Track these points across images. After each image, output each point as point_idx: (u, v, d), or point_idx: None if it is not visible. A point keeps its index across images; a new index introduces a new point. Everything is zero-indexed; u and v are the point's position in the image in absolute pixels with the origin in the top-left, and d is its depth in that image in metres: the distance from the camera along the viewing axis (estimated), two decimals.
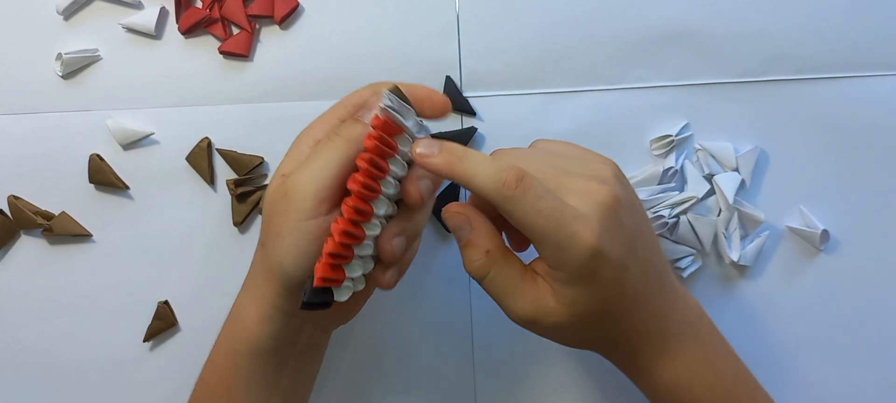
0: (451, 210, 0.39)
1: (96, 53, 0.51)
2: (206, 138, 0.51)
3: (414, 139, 0.38)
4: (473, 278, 0.39)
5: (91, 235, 0.52)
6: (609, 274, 0.36)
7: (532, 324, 0.38)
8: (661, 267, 0.39)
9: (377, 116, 0.36)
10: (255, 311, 0.40)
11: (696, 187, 0.50)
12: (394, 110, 0.36)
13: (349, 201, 0.36)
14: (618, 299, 0.37)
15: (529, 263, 0.39)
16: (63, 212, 0.52)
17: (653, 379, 0.40)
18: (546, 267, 0.37)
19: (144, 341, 0.52)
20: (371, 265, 0.39)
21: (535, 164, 0.37)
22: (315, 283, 0.36)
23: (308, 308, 0.36)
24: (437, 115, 0.40)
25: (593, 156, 0.40)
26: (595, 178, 0.37)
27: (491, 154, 0.39)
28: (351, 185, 0.36)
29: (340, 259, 0.36)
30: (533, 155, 0.39)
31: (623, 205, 0.36)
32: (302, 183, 0.37)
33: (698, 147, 0.51)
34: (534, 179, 0.35)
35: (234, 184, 0.51)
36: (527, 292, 0.37)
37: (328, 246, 0.36)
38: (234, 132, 0.51)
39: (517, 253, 0.39)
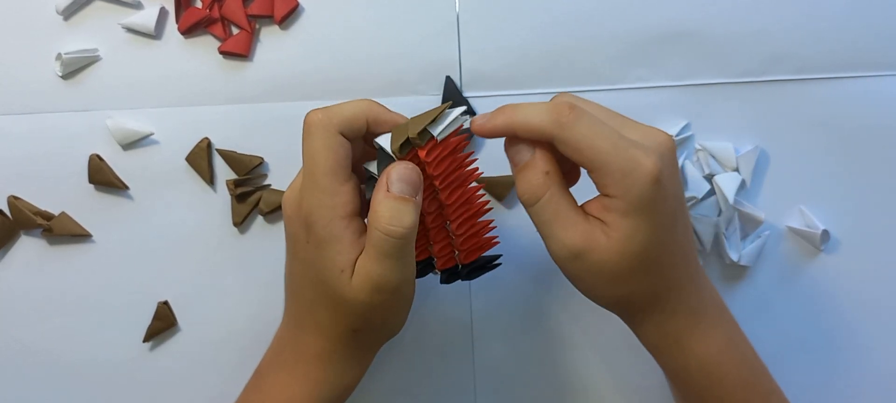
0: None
1: (96, 53, 0.51)
2: (206, 138, 0.51)
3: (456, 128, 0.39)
4: (526, 203, 0.37)
5: (91, 235, 0.52)
6: (664, 212, 0.36)
7: (576, 259, 0.37)
8: (694, 244, 0.39)
9: (439, 144, 0.38)
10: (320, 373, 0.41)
11: (696, 187, 0.50)
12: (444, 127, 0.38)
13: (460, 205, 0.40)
14: (667, 245, 0.36)
15: (583, 204, 0.38)
16: (63, 212, 0.52)
17: (684, 351, 0.39)
18: (600, 204, 0.36)
19: (144, 341, 0.52)
20: None
21: (597, 107, 0.38)
22: (473, 259, 0.40)
23: (472, 276, 0.41)
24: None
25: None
26: (653, 130, 0.37)
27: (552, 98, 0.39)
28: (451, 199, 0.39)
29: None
30: (588, 103, 0.38)
31: (675, 160, 0.37)
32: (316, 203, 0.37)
33: (698, 147, 0.51)
34: (587, 104, 0.36)
35: (234, 184, 0.51)
36: (578, 223, 0.36)
37: (467, 226, 0.40)
38: (234, 132, 0.51)
39: None
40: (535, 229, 0.37)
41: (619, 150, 0.35)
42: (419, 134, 0.37)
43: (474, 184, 0.40)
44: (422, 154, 0.37)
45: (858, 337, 0.51)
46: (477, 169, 0.40)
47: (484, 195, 0.41)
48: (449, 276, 0.41)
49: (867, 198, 0.51)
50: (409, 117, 0.39)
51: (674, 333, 0.39)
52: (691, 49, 0.50)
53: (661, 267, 0.37)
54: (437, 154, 0.38)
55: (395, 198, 0.36)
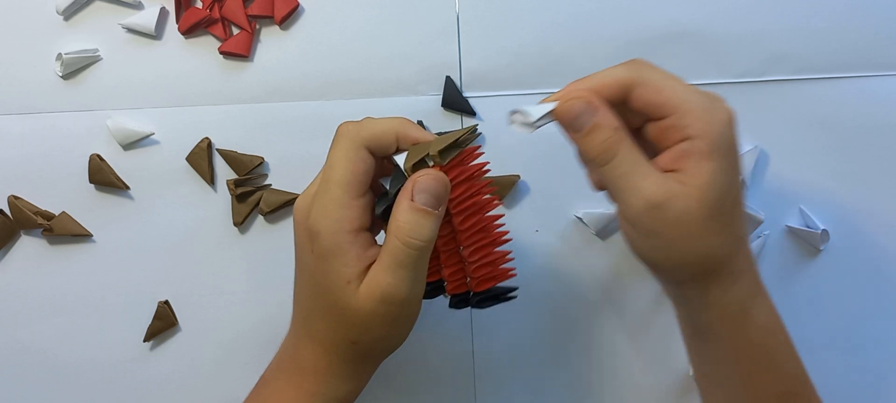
0: (570, 96, 0.37)
1: (96, 53, 0.51)
2: (206, 138, 0.51)
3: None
4: (599, 163, 0.36)
5: (91, 235, 0.52)
6: (736, 157, 0.36)
7: (656, 210, 0.35)
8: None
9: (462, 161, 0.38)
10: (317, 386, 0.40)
11: None
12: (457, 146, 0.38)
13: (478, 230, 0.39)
14: (738, 195, 0.37)
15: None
16: (63, 212, 0.52)
17: (748, 320, 0.38)
18: (677, 152, 0.35)
19: (144, 341, 0.52)
20: None
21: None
22: (484, 288, 0.39)
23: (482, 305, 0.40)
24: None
25: None
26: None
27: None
28: (466, 225, 0.39)
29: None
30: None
31: None
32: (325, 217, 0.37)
33: None
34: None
35: (234, 184, 0.51)
36: (655, 173, 0.36)
37: (484, 253, 0.39)
38: (234, 132, 0.51)
39: None
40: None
41: (696, 93, 0.35)
42: (440, 153, 0.37)
43: (494, 212, 0.39)
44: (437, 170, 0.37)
45: (858, 337, 0.51)
46: (495, 199, 0.39)
47: (503, 225, 0.39)
48: (458, 302, 0.40)
49: (867, 198, 0.51)
50: (436, 136, 0.39)
51: (739, 301, 0.38)
52: (691, 49, 0.50)
53: (733, 218, 0.37)
54: (454, 177, 0.37)
55: (417, 210, 0.36)
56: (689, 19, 0.50)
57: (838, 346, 0.52)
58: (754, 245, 0.50)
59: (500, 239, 0.39)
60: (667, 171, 0.36)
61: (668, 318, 0.51)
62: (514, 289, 0.40)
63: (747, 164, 0.50)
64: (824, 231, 0.50)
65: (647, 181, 0.35)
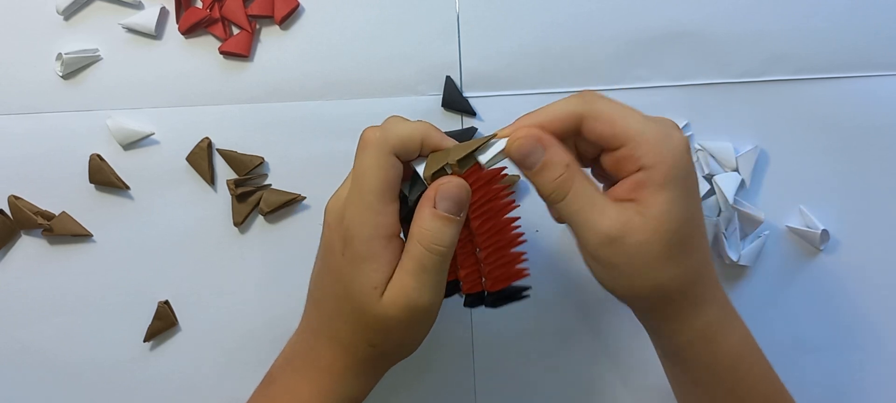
0: (518, 135, 0.37)
1: (96, 53, 0.51)
2: (207, 138, 0.51)
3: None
4: (554, 199, 0.37)
5: (91, 235, 0.52)
6: (693, 185, 0.36)
7: (612, 244, 0.36)
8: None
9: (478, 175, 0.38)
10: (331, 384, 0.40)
11: None
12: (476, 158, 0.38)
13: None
14: (697, 223, 0.37)
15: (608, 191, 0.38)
16: (63, 212, 0.52)
17: (712, 347, 0.39)
18: (632, 182, 0.36)
19: (144, 341, 0.52)
20: None
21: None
22: (499, 287, 0.40)
23: (498, 304, 0.40)
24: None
25: None
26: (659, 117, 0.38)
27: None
28: (483, 227, 0.39)
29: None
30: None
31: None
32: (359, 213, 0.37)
33: (698, 147, 0.51)
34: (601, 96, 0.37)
35: (235, 184, 0.51)
36: (610, 207, 0.36)
37: (500, 255, 0.39)
38: (234, 132, 0.51)
39: None
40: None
41: (649, 122, 0.35)
42: (459, 161, 0.37)
43: (511, 215, 0.40)
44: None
45: (858, 337, 0.51)
46: (513, 201, 0.39)
47: (519, 228, 0.40)
48: (473, 301, 0.41)
49: (867, 198, 0.51)
50: (458, 143, 0.39)
51: (702, 327, 0.39)
52: (691, 49, 0.50)
53: (693, 247, 0.37)
54: (472, 181, 0.38)
55: (440, 217, 0.36)
56: (689, 19, 0.50)
57: (838, 346, 0.52)
58: (754, 245, 0.50)
59: (516, 240, 0.40)
60: (623, 201, 0.36)
61: None
62: (527, 288, 0.41)
63: (747, 164, 0.50)
64: (824, 231, 0.50)
65: (602, 217, 0.36)
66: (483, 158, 0.37)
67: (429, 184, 0.38)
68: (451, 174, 0.37)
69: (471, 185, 0.38)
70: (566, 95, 0.51)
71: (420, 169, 0.38)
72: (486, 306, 0.41)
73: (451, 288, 0.41)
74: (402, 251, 0.38)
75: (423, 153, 0.38)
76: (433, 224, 0.36)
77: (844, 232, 0.51)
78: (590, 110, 0.36)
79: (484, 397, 0.53)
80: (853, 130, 0.50)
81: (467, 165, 0.37)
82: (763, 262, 0.51)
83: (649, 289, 0.37)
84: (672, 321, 0.39)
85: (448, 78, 0.50)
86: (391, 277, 0.37)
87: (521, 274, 0.40)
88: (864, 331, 0.51)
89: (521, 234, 0.40)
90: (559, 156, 0.36)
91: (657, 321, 0.40)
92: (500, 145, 0.37)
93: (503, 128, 0.38)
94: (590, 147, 0.38)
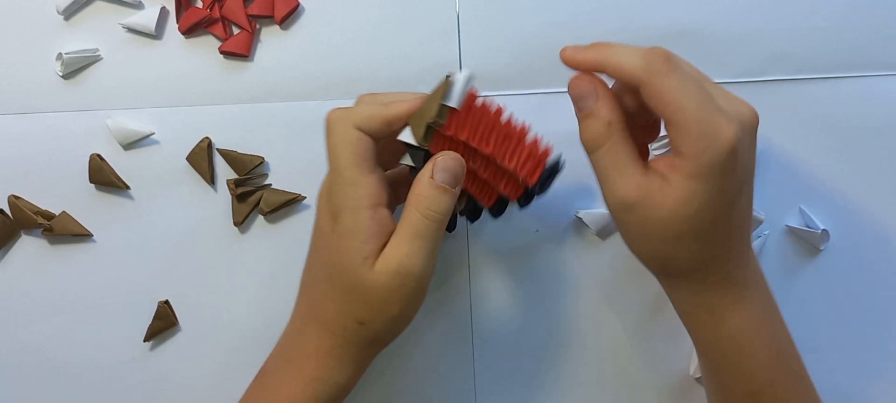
0: (580, 78, 0.38)
1: (96, 53, 0.51)
2: (207, 138, 0.51)
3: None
4: (588, 150, 0.38)
5: (91, 235, 0.52)
6: (730, 184, 0.36)
7: (628, 211, 0.37)
8: (750, 220, 0.40)
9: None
10: (320, 370, 0.41)
11: None
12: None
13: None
14: (723, 218, 0.37)
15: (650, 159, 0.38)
16: (63, 212, 0.52)
17: (716, 321, 0.40)
18: (669, 161, 0.36)
19: (144, 341, 0.52)
20: None
21: (684, 64, 0.37)
22: (538, 176, 0.41)
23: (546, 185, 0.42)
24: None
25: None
26: (739, 101, 0.38)
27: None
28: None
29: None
30: (683, 61, 0.38)
31: (755, 134, 0.37)
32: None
33: None
34: (682, 61, 0.36)
35: (235, 184, 0.51)
36: (636, 175, 0.37)
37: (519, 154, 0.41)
38: (234, 132, 0.51)
39: None
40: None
41: (703, 112, 0.35)
42: (437, 113, 0.38)
43: (504, 117, 0.41)
44: (446, 131, 0.39)
45: (859, 338, 0.51)
46: (499, 107, 0.41)
47: (518, 120, 0.41)
48: (525, 199, 0.43)
49: (867, 198, 0.51)
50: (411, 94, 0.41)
51: (707, 303, 0.39)
52: (691, 49, 0.50)
53: (711, 237, 0.37)
54: (459, 122, 0.39)
55: (437, 187, 0.38)
56: (689, 19, 0.50)
57: (838, 346, 0.52)
58: (754, 245, 0.50)
59: (524, 131, 0.41)
60: (656, 172, 0.37)
61: (668, 318, 0.51)
62: (560, 156, 0.42)
63: None
64: (824, 231, 0.50)
65: (623, 182, 0.37)
66: (453, 102, 0.38)
67: (422, 145, 0.39)
68: (438, 129, 0.39)
69: (458, 125, 0.39)
70: (566, 95, 0.51)
71: (407, 137, 0.39)
72: (537, 195, 0.43)
73: (476, 210, 0.44)
74: (390, 221, 0.39)
75: (394, 123, 0.40)
76: (431, 191, 0.38)
77: (844, 232, 0.51)
78: (648, 81, 0.36)
79: (484, 397, 0.53)
80: (853, 130, 0.50)
81: (445, 113, 0.39)
82: (763, 262, 0.51)
83: (653, 259, 0.39)
84: (673, 289, 0.41)
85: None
86: (381, 249, 0.38)
87: (547, 152, 0.42)
88: (864, 331, 0.51)
89: (525, 124, 0.41)
90: (604, 113, 0.37)
91: (663, 282, 0.41)
92: (462, 78, 0.39)
93: (576, 46, 0.39)
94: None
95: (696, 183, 0.35)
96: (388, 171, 0.44)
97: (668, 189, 0.36)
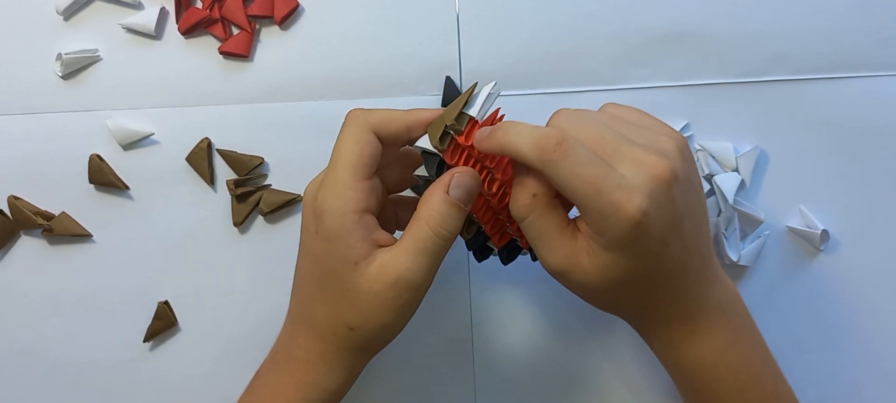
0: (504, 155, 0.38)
1: (96, 53, 0.51)
2: (206, 138, 0.51)
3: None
4: (516, 218, 0.38)
5: (91, 235, 0.52)
6: (648, 248, 0.35)
7: (561, 276, 0.38)
8: (705, 249, 0.39)
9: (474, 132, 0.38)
10: (313, 376, 0.40)
11: None
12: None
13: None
14: (652, 273, 0.37)
15: (575, 218, 0.38)
16: (63, 212, 0.52)
17: (677, 354, 0.40)
18: (588, 230, 0.36)
19: (144, 341, 0.52)
20: None
21: (594, 129, 0.36)
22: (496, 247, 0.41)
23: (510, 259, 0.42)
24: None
25: (661, 127, 0.38)
26: (655, 151, 0.35)
27: (552, 115, 0.38)
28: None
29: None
30: (595, 118, 0.37)
31: (679, 182, 0.35)
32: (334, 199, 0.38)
33: (698, 147, 0.51)
34: (575, 144, 0.34)
35: (234, 185, 0.51)
36: (563, 245, 0.37)
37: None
38: (234, 132, 0.51)
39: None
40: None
41: (601, 194, 0.34)
42: (457, 119, 0.37)
43: None
44: (462, 140, 0.38)
45: (859, 338, 0.51)
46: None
47: None
48: (517, 254, 0.43)
49: (867, 198, 0.51)
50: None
51: (664, 337, 0.40)
52: (691, 49, 0.50)
53: (645, 288, 0.38)
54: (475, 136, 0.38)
55: (451, 204, 0.37)
56: (689, 19, 0.50)
57: (838, 346, 0.52)
58: (754, 245, 0.50)
59: None
60: (587, 237, 0.37)
61: None
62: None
63: (747, 164, 0.50)
64: (824, 231, 0.50)
65: (551, 252, 0.37)
66: (473, 111, 0.38)
67: (437, 148, 0.38)
68: (455, 136, 0.38)
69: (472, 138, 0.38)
70: (566, 96, 0.51)
71: (424, 143, 0.38)
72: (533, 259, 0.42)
73: (487, 250, 0.43)
74: (378, 228, 0.38)
75: (413, 136, 0.39)
76: (443, 208, 0.37)
77: (844, 232, 0.51)
78: (542, 170, 0.35)
79: (484, 397, 0.53)
80: (853, 130, 0.50)
81: (464, 122, 0.38)
82: (763, 262, 0.51)
83: (601, 306, 0.40)
84: (633, 325, 0.42)
85: (448, 78, 0.50)
86: (371, 252, 0.37)
87: None
88: (864, 331, 0.51)
89: None
90: (530, 183, 0.37)
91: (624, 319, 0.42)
92: (485, 91, 0.38)
93: (484, 129, 0.38)
94: None
95: (611, 254, 0.36)
96: (394, 194, 0.44)
97: (593, 256, 0.36)
